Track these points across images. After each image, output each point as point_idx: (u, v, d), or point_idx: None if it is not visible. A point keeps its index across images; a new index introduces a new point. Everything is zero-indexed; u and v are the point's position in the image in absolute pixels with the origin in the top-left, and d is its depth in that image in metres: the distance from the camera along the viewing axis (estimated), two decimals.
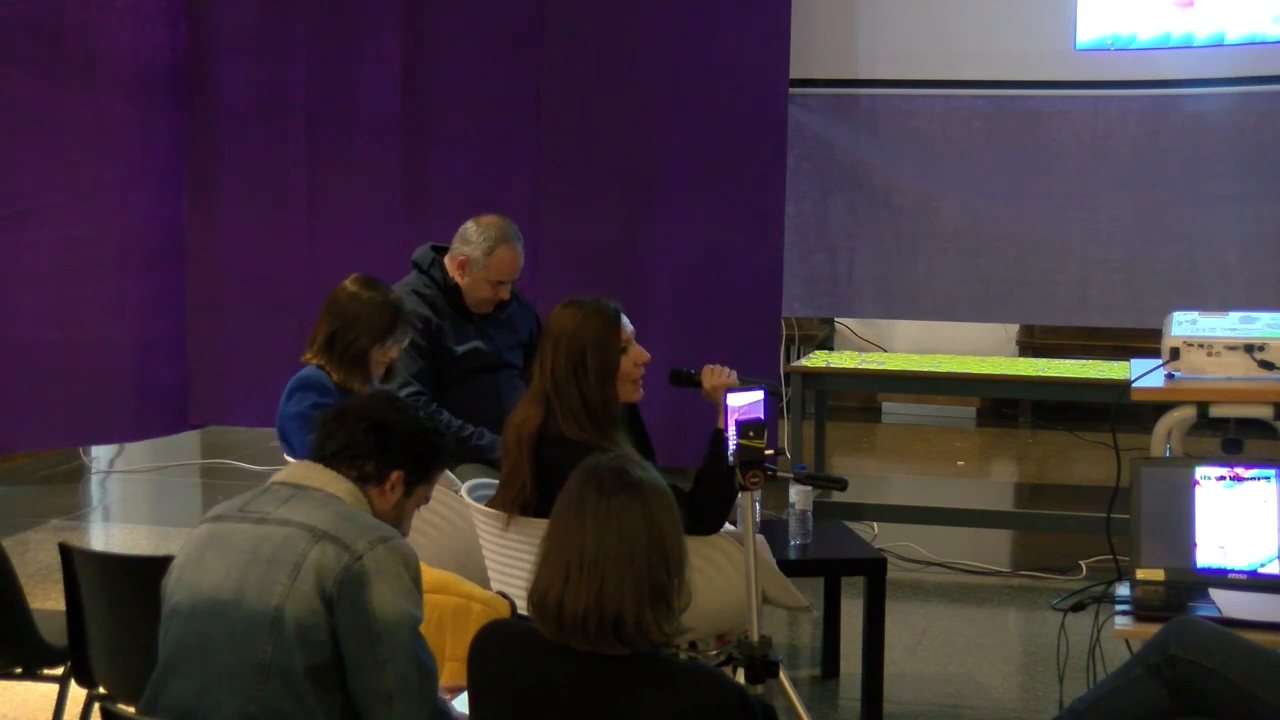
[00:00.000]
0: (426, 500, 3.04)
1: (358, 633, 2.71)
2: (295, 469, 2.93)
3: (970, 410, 9.44)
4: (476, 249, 4.89)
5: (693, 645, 3.96)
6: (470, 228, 4.93)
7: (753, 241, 6.50)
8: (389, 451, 2.91)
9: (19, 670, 3.78)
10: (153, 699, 2.79)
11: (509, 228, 4.94)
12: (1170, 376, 3.96)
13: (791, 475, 4.18)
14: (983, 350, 8.10)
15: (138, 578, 3.46)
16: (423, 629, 2.80)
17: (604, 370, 3.72)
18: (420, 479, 2.97)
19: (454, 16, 6.73)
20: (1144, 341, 5.26)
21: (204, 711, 2.72)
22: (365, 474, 2.90)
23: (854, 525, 5.49)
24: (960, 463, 8.59)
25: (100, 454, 8.01)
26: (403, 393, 4.65)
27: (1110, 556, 3.83)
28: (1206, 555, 3.57)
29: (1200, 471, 3.60)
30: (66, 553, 3.55)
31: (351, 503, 2.85)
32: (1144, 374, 4.01)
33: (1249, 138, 6.21)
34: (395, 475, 2.92)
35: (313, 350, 4.42)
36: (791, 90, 6.47)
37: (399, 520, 2.95)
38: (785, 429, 6.47)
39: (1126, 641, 3.59)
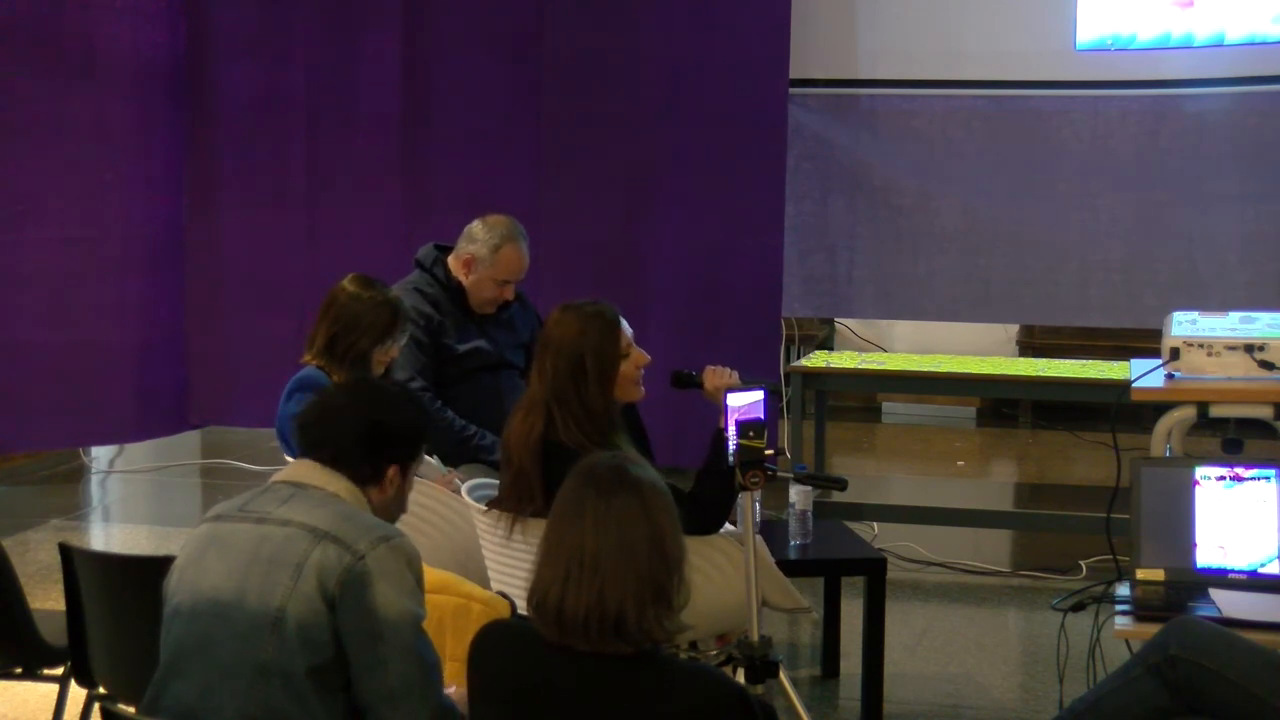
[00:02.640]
0: (416, 471, 3.02)
1: (360, 633, 2.71)
2: (295, 468, 2.92)
3: (970, 410, 9.45)
4: (482, 247, 4.89)
5: (693, 645, 3.96)
6: (476, 226, 4.94)
7: (753, 241, 6.50)
8: (381, 451, 2.90)
9: (19, 670, 3.77)
10: (154, 700, 2.79)
11: (515, 227, 4.94)
12: (1170, 376, 3.96)
13: (791, 475, 4.18)
14: (983, 350, 8.10)
15: (138, 578, 3.46)
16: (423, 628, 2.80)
17: (603, 376, 3.71)
18: (413, 460, 2.97)
19: (454, 16, 6.73)
20: (1144, 341, 5.26)
21: (205, 712, 2.72)
22: (362, 476, 2.89)
23: (854, 525, 5.49)
24: (960, 463, 8.60)
25: (100, 454, 8.00)
26: None
27: (1110, 556, 3.83)
28: (1206, 555, 3.57)
29: (1200, 471, 3.60)
30: (66, 553, 3.55)
31: (351, 500, 2.85)
32: (1144, 374, 4.01)
33: (1249, 138, 6.22)
34: (392, 471, 2.92)
35: (312, 351, 4.42)
36: (791, 90, 6.47)
37: (399, 502, 2.95)
38: (785, 429, 6.47)
39: (1126, 641, 3.59)
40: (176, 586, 2.84)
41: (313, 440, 2.90)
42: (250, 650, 2.70)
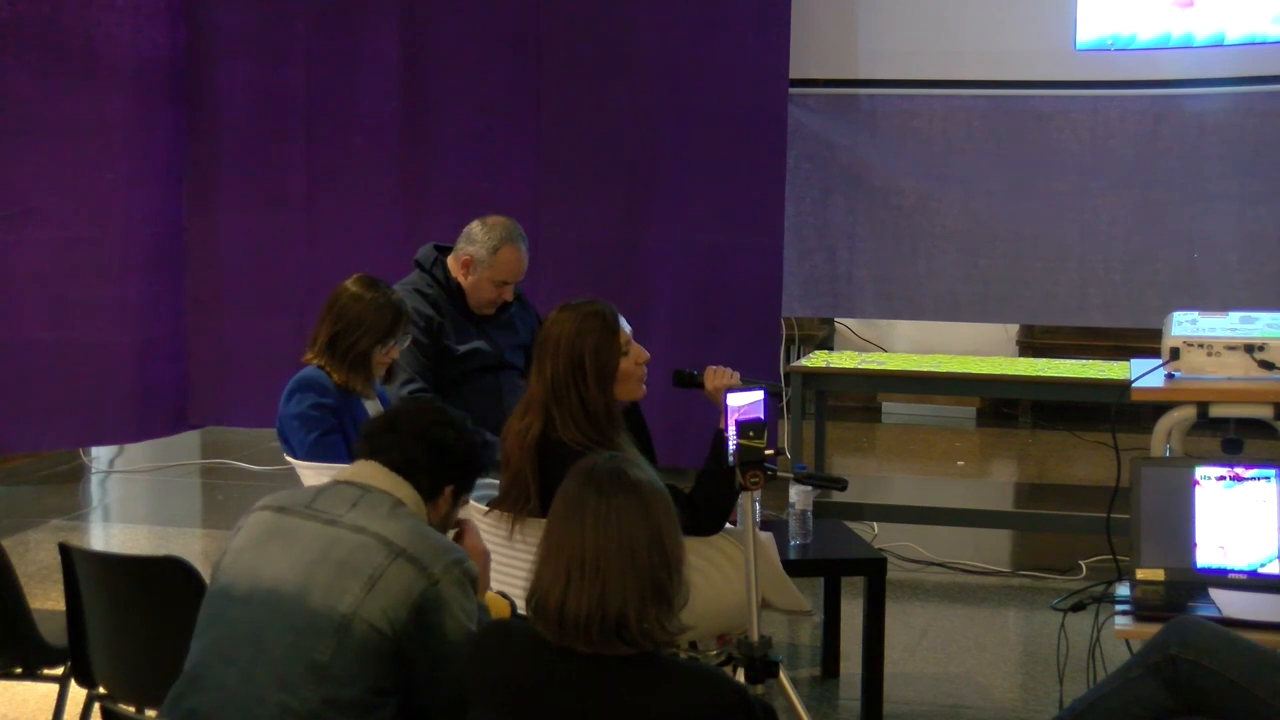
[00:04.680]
0: (466, 504, 3.09)
1: (427, 651, 2.75)
2: (360, 468, 2.94)
3: (970, 410, 9.44)
4: (481, 248, 4.89)
5: (693, 645, 3.96)
6: (475, 227, 4.94)
7: (753, 241, 6.49)
8: (444, 469, 2.95)
9: (19, 670, 3.78)
10: (195, 679, 2.79)
11: (514, 228, 4.94)
12: (1170, 376, 3.96)
13: (791, 475, 4.17)
14: (983, 350, 8.10)
15: (138, 578, 3.47)
16: None
17: (603, 374, 3.71)
18: (466, 490, 3.03)
19: (454, 16, 6.73)
20: (1144, 341, 5.26)
21: (246, 699, 2.72)
22: (422, 487, 2.92)
23: (854, 525, 5.49)
24: (960, 463, 8.60)
25: (100, 454, 8.00)
26: (405, 390, 4.66)
27: (1110, 556, 3.83)
28: (1206, 555, 3.58)
29: (1200, 471, 3.60)
30: (66, 553, 3.55)
31: (414, 509, 2.88)
32: (1144, 374, 4.01)
33: (1249, 138, 6.21)
34: (448, 491, 2.96)
35: (314, 351, 4.41)
36: (791, 90, 6.46)
37: (444, 529, 2.99)
38: (785, 429, 6.47)
39: (1126, 641, 3.59)
40: (230, 566, 2.85)
41: (378, 445, 2.94)
42: (305, 647, 2.71)
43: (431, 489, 2.93)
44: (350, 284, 4.45)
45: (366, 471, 2.91)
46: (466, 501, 3.08)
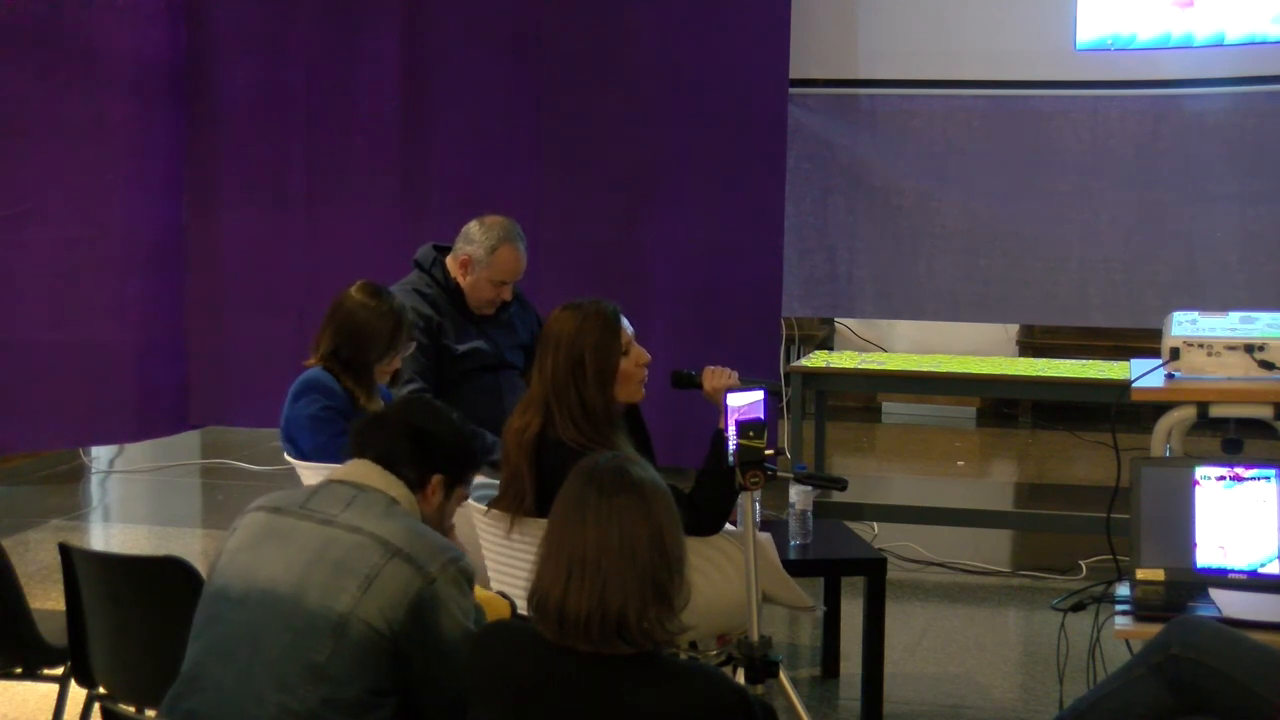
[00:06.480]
0: (465, 499, 3.07)
1: (424, 650, 2.74)
2: (353, 467, 2.93)
3: (970, 410, 9.45)
4: (479, 248, 4.89)
5: (693, 645, 3.96)
6: (474, 227, 4.94)
7: (753, 241, 6.50)
8: (428, 457, 2.94)
9: (19, 670, 3.78)
10: (193, 679, 2.79)
11: (512, 228, 4.94)
12: (1170, 376, 3.96)
13: (791, 475, 4.17)
14: (983, 350, 8.10)
15: (138, 578, 3.47)
16: None
17: (602, 373, 3.70)
18: (458, 481, 3.01)
19: (454, 17, 6.73)
20: (1144, 341, 5.27)
21: (245, 699, 2.72)
22: (407, 480, 2.92)
23: (854, 525, 5.49)
24: (960, 463, 8.60)
25: (100, 454, 8.01)
26: (405, 390, 4.66)
27: (1110, 556, 3.84)
28: (1206, 555, 3.58)
29: (1200, 471, 3.60)
30: (66, 553, 3.54)
31: (408, 508, 2.88)
32: (1144, 374, 4.01)
33: (1249, 138, 6.21)
34: (435, 480, 2.95)
35: (317, 356, 4.40)
36: (791, 90, 6.47)
37: (441, 523, 2.98)
38: (785, 429, 6.47)
39: (1127, 641, 3.59)
40: (225, 568, 2.84)
41: (364, 441, 2.94)
42: (303, 648, 2.71)
43: (418, 479, 2.92)
44: (354, 292, 4.40)
45: (360, 470, 2.91)
46: (464, 496, 3.06)
